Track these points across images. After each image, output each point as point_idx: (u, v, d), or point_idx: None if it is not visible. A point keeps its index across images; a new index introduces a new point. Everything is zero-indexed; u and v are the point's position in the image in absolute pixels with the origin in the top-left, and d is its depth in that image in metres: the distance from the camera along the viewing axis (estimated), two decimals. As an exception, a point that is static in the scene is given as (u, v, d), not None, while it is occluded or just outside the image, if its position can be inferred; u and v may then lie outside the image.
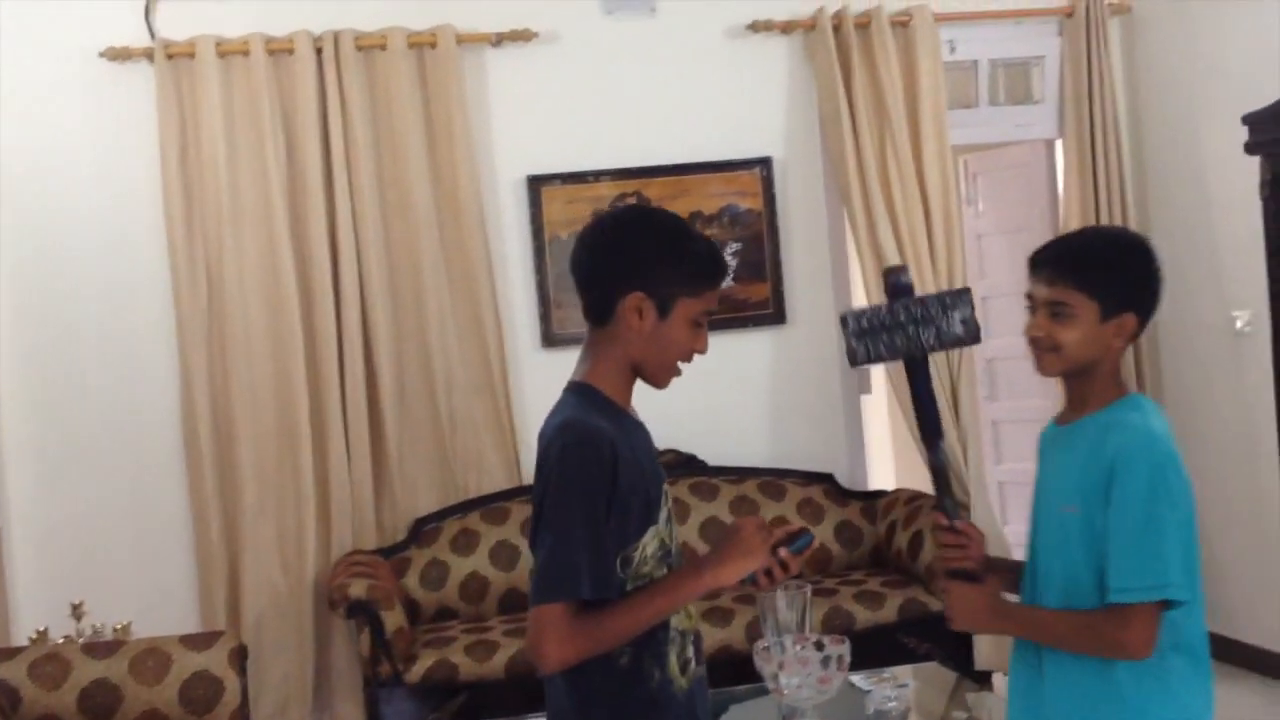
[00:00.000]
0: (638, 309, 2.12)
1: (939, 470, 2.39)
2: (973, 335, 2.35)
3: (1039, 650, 2.30)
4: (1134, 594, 2.13)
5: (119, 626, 3.95)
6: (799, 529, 2.23)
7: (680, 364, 2.20)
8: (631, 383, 2.21)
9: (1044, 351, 2.27)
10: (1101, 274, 2.24)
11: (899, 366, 2.42)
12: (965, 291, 2.38)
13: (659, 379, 2.20)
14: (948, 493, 2.39)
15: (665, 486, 2.23)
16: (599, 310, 2.16)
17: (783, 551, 2.18)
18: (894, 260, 5.16)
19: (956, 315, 2.32)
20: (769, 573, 2.18)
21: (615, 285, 2.13)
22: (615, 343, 2.16)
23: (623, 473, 2.07)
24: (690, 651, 2.22)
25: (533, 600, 2.06)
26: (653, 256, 2.13)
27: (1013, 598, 2.42)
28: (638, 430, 2.22)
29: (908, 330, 2.32)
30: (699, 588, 2.12)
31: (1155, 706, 2.22)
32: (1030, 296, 2.29)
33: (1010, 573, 2.44)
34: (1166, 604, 2.15)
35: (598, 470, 2.05)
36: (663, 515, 2.19)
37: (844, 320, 2.38)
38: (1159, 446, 2.18)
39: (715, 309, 2.21)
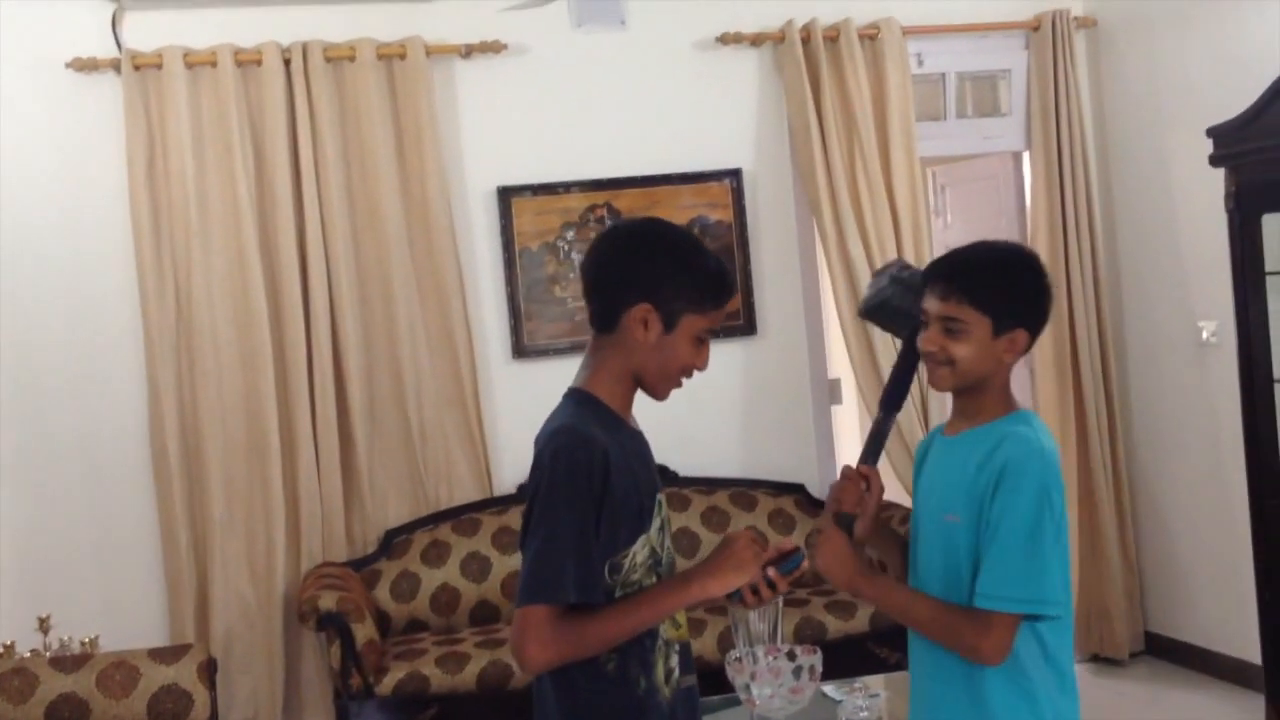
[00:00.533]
0: (643, 320, 2.14)
1: (880, 435, 2.43)
2: None
3: (930, 648, 2.30)
4: (1005, 603, 2.15)
5: (87, 640, 3.91)
6: (791, 549, 2.23)
7: (682, 378, 2.23)
8: (632, 392, 2.23)
9: (938, 365, 2.28)
10: (993, 291, 2.25)
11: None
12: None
13: (659, 391, 2.23)
14: (873, 453, 2.42)
15: (660, 496, 2.24)
16: (605, 317, 2.18)
17: (771, 571, 2.18)
18: (863, 270, 5.18)
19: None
20: (756, 590, 2.18)
21: (623, 294, 2.15)
22: (618, 351, 2.18)
23: (614, 480, 2.09)
24: (675, 661, 2.22)
25: (518, 601, 2.07)
26: (664, 270, 2.14)
27: None
28: (634, 439, 2.23)
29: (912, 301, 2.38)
30: (686, 598, 2.13)
31: (1020, 717, 2.23)
32: (925, 311, 2.30)
33: (895, 549, 2.47)
34: (1028, 617, 2.18)
35: (588, 476, 2.06)
36: (655, 524, 2.20)
37: (884, 270, 2.46)
38: (1049, 464, 2.20)
39: (718, 327, 2.24)
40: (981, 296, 2.24)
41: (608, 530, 2.09)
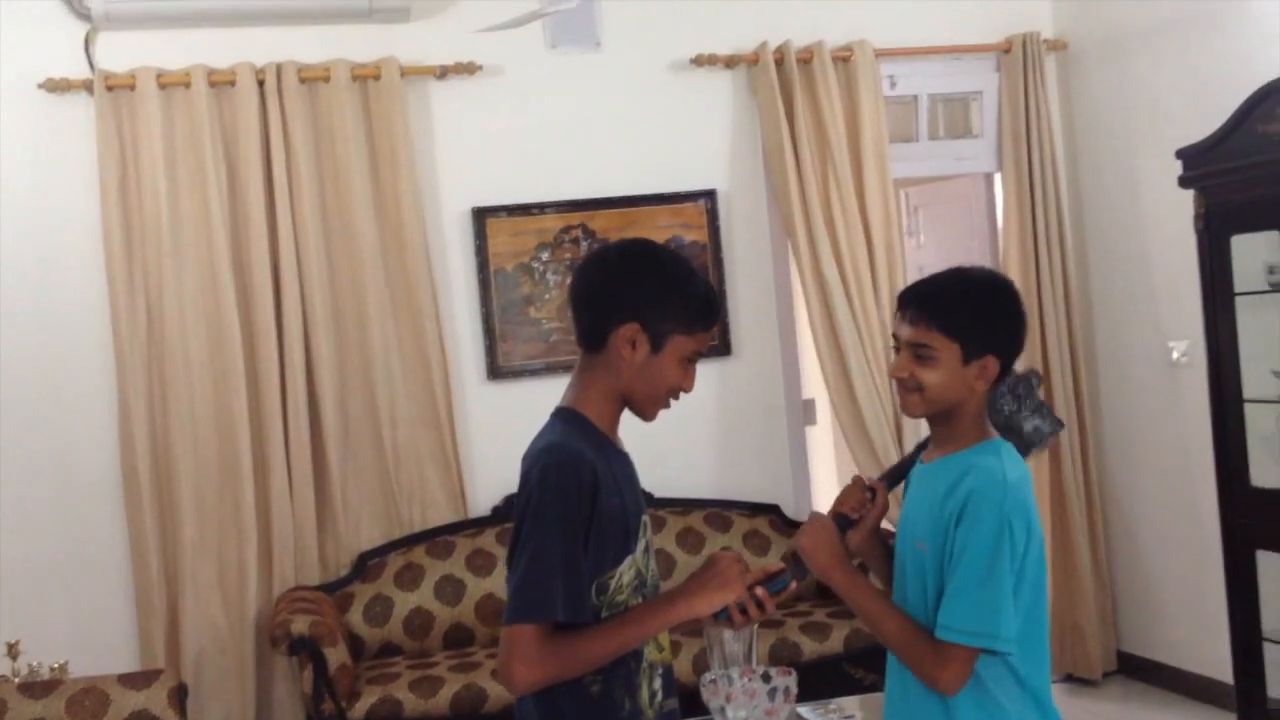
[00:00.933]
0: (631, 340, 2.15)
1: (904, 465, 2.45)
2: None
3: (905, 670, 2.30)
4: (960, 635, 2.16)
5: (56, 666, 3.87)
6: (778, 569, 2.23)
7: (669, 398, 2.22)
8: (618, 412, 2.23)
9: (909, 392, 2.29)
10: (963, 317, 2.25)
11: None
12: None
13: (646, 411, 2.23)
14: (894, 476, 2.44)
15: (645, 518, 2.24)
16: (593, 337, 2.19)
17: (759, 590, 2.18)
18: (837, 290, 5.20)
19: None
20: (744, 610, 2.17)
21: (612, 314, 2.15)
22: (605, 371, 2.18)
23: (603, 499, 2.09)
24: (659, 684, 2.22)
25: (505, 620, 2.06)
26: (652, 291, 2.15)
27: None
28: (621, 459, 2.23)
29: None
30: (672, 618, 2.12)
31: None
32: (895, 336, 2.32)
33: (889, 569, 2.45)
34: (984, 650, 2.18)
35: (577, 494, 2.06)
36: (640, 545, 2.19)
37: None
38: (1011, 494, 2.18)
39: (705, 350, 2.24)
40: (950, 323, 2.24)
41: (595, 550, 2.09)
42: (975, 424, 2.31)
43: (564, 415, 2.21)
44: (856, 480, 2.42)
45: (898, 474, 2.46)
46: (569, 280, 2.27)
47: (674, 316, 2.16)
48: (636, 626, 2.10)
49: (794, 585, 2.25)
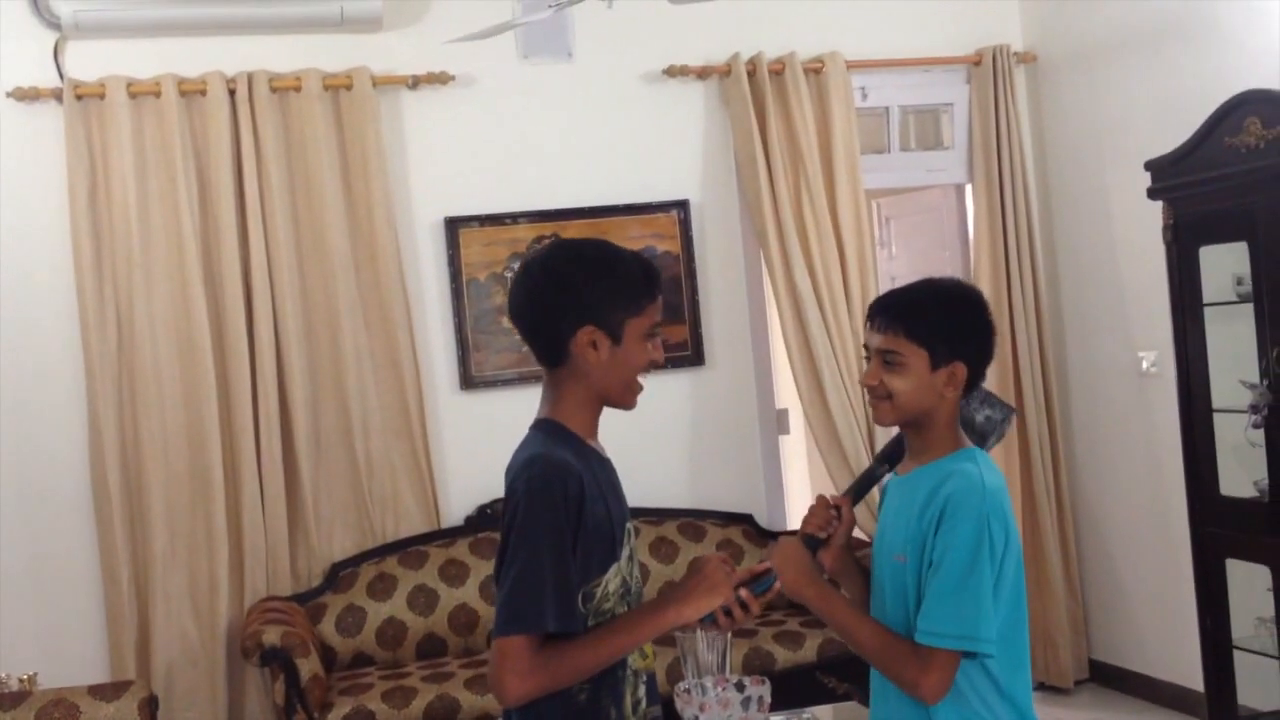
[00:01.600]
0: (591, 343, 2.13)
1: (868, 479, 2.44)
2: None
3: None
4: (941, 640, 2.16)
5: (25, 677, 3.83)
6: (763, 569, 2.22)
7: (640, 379, 2.21)
8: (597, 415, 2.22)
9: (879, 400, 2.31)
10: (929, 324, 2.27)
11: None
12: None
13: (627, 401, 2.22)
14: (857, 490, 2.43)
15: (630, 525, 2.24)
16: (552, 353, 2.17)
17: (743, 592, 2.17)
18: (810, 300, 5.22)
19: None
20: (729, 612, 2.17)
21: (562, 326, 2.13)
22: (575, 379, 2.17)
23: (589, 508, 2.08)
24: (642, 691, 2.22)
25: (495, 632, 2.05)
26: (589, 289, 2.13)
27: None
28: (604, 467, 2.22)
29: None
30: (662, 624, 2.12)
31: None
32: (866, 346, 2.34)
33: (862, 585, 2.45)
34: (965, 654, 2.18)
35: (564, 504, 2.05)
36: (625, 553, 2.19)
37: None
38: (989, 499, 2.20)
39: (661, 318, 2.22)
40: (918, 329, 2.26)
41: (581, 559, 2.08)
42: (948, 433, 2.32)
43: (545, 426, 2.19)
44: (820, 499, 2.41)
45: (862, 487, 2.45)
46: (506, 304, 2.25)
47: (620, 303, 2.14)
48: (627, 634, 2.10)
49: (778, 585, 2.25)
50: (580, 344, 2.13)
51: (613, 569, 2.14)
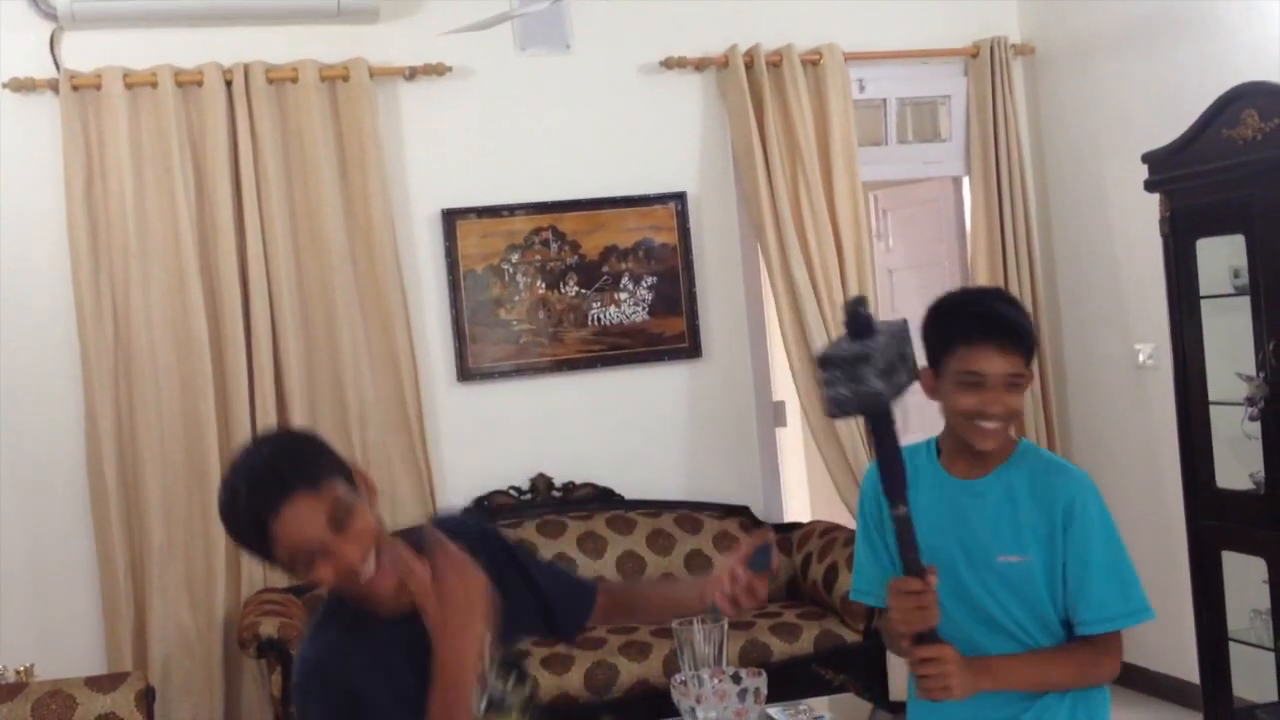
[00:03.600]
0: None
1: (904, 524, 2.13)
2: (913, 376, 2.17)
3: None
4: (1122, 620, 2.27)
5: (22, 669, 3.84)
6: (759, 543, 2.09)
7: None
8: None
9: (1000, 425, 2.26)
10: (1033, 338, 2.30)
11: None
12: (905, 324, 2.17)
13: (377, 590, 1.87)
14: (913, 549, 2.14)
15: (485, 639, 1.85)
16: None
17: (740, 570, 2.05)
18: (807, 293, 5.21)
19: (907, 359, 2.11)
20: (736, 600, 2.03)
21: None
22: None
23: (373, 713, 1.77)
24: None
25: None
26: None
27: None
28: (395, 631, 1.84)
29: (871, 379, 2.01)
30: (457, 687, 1.77)
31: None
32: (976, 372, 2.22)
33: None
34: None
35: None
36: (480, 702, 1.85)
37: (822, 363, 2.07)
38: (1092, 484, 2.30)
39: None
40: (1030, 347, 2.28)
41: None
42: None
43: (324, 606, 1.89)
44: (905, 586, 2.15)
45: (913, 539, 2.15)
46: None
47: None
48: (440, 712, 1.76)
49: (775, 564, 2.15)
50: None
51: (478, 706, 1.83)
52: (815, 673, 4.66)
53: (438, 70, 5.11)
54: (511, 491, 5.18)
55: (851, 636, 4.76)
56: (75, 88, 4.73)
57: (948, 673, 2.14)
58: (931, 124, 5.82)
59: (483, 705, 1.86)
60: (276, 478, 1.78)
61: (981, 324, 2.25)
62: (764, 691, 2.59)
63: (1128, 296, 5.27)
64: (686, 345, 5.39)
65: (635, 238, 5.33)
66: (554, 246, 5.24)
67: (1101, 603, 2.25)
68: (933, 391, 2.30)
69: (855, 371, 1.99)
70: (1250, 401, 4.10)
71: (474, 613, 1.79)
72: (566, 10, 5.22)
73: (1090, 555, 2.24)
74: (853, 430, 5.24)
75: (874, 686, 4.70)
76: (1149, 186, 4.49)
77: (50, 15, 4.75)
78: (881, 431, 2.10)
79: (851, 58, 5.44)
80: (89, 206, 4.75)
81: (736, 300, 5.49)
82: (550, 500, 5.20)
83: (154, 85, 4.79)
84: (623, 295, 5.32)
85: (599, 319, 5.30)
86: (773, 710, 3.28)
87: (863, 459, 5.16)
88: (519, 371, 5.21)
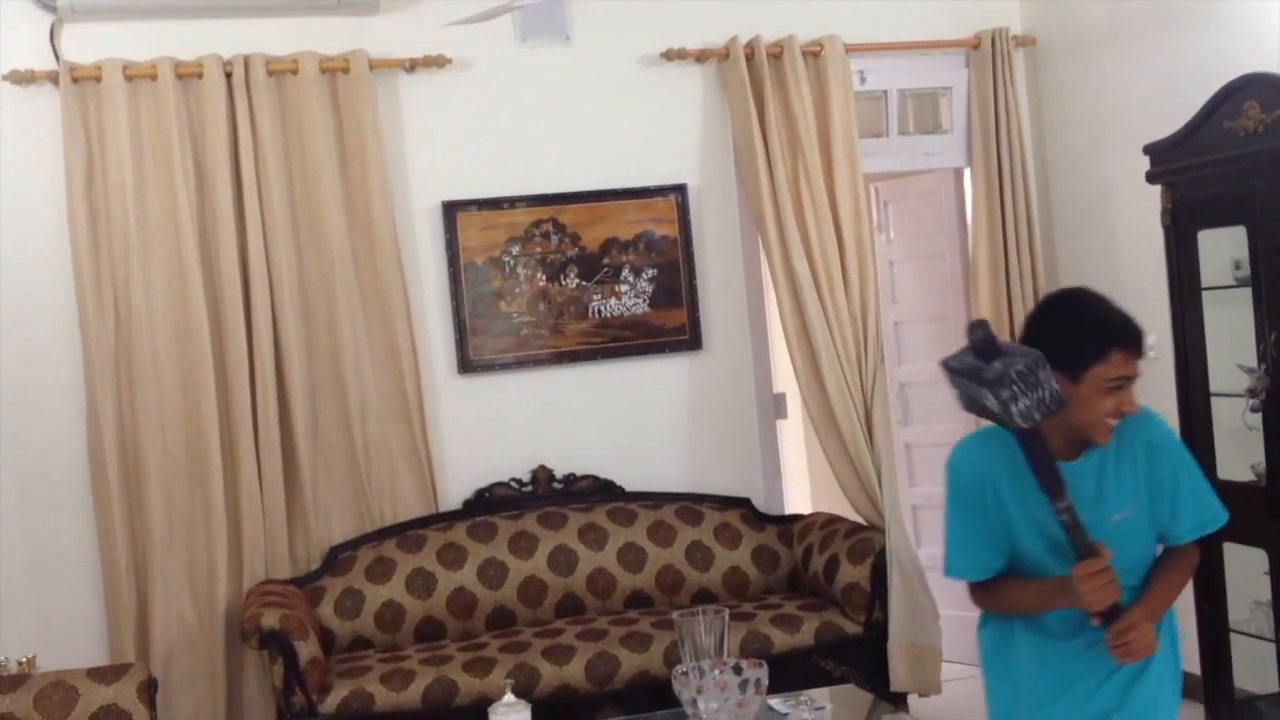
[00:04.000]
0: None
1: (1070, 515, 2.42)
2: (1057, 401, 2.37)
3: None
4: (1210, 526, 2.57)
5: (24, 660, 3.85)
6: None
7: None
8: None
9: (1117, 420, 2.50)
10: None
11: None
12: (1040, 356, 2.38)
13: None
14: (1082, 534, 2.43)
15: None
16: None
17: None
18: (808, 284, 5.21)
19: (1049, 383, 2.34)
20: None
21: None
22: None
23: None
24: None
25: None
26: None
27: None
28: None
29: (1016, 396, 2.33)
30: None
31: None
32: (1126, 377, 2.48)
33: None
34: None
35: None
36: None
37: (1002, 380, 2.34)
38: (1152, 412, 2.58)
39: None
40: None
41: None
42: None
43: None
44: (1089, 568, 2.42)
45: (1083, 535, 2.46)
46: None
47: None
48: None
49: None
50: None
51: None
52: (816, 664, 4.67)
53: (438, 62, 5.10)
54: (512, 483, 5.19)
55: (852, 628, 4.76)
56: (75, 80, 4.73)
57: (1145, 631, 2.47)
58: (933, 115, 5.82)
59: None
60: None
61: (1129, 333, 2.50)
62: (765, 683, 2.60)
63: (1129, 288, 5.26)
64: (687, 337, 5.39)
65: (636, 230, 5.33)
66: (555, 239, 5.24)
67: (1193, 515, 2.55)
68: (1067, 397, 2.42)
69: (1033, 379, 2.32)
70: (1251, 393, 4.10)
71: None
72: (567, 2, 5.23)
73: (1179, 478, 2.54)
74: (853, 421, 5.23)
75: (874, 678, 4.71)
76: (1150, 178, 4.49)
77: (50, 7, 4.75)
78: (1030, 444, 2.39)
79: (852, 49, 5.43)
80: (89, 199, 4.75)
81: (737, 292, 5.49)
82: (551, 492, 5.21)
83: (154, 77, 4.78)
84: (623, 287, 5.32)
85: (600, 311, 5.30)
86: (774, 701, 3.28)
87: (862, 450, 5.16)
88: (519, 363, 5.21)
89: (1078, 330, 2.48)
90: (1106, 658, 2.51)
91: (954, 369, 2.40)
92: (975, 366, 2.35)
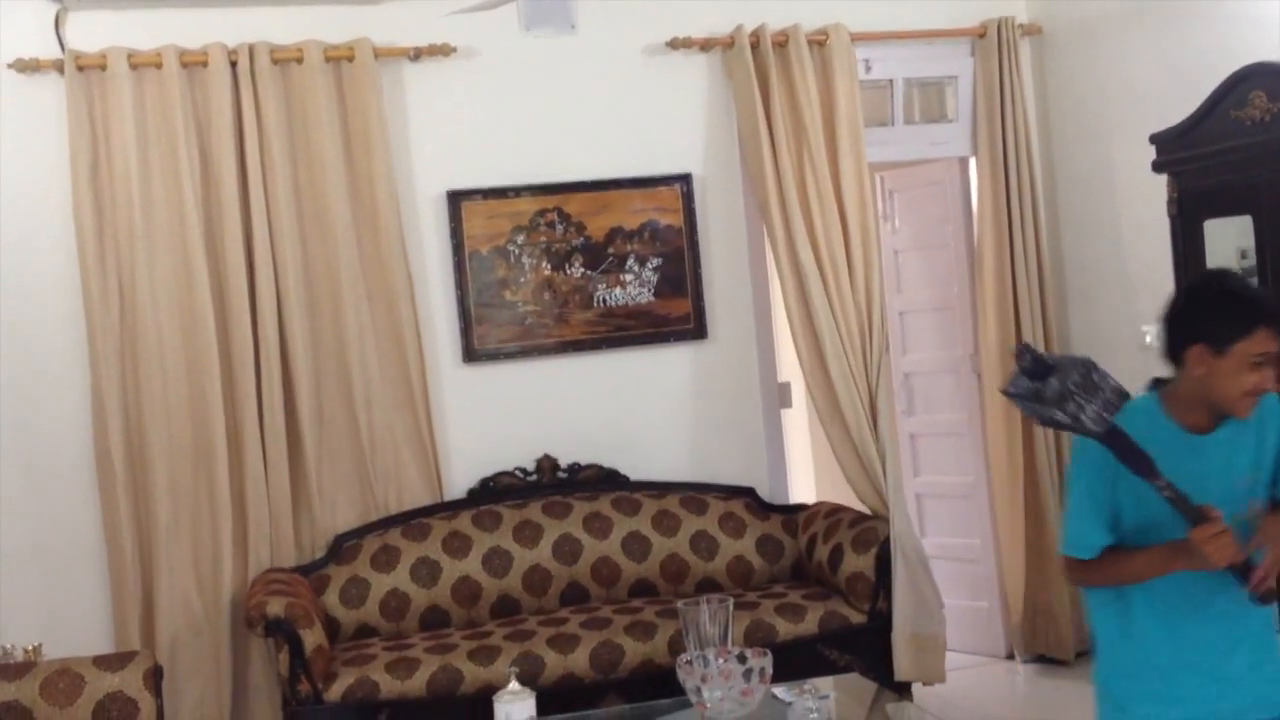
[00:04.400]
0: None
1: (1172, 490, 2.48)
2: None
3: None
4: None
5: (30, 648, 3.85)
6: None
7: None
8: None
9: (1259, 397, 2.57)
10: None
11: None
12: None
13: None
14: (1188, 503, 2.47)
15: None
16: None
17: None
18: (813, 274, 5.20)
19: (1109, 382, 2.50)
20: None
21: None
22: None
23: None
24: None
25: None
26: None
27: None
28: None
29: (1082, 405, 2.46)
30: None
31: None
32: (1269, 354, 2.53)
33: None
34: None
35: None
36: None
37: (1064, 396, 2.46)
38: None
39: None
40: None
41: None
42: None
43: None
44: (1211, 530, 2.45)
45: (1188, 499, 2.51)
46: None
47: None
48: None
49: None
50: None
51: None
52: (820, 653, 4.68)
53: (443, 51, 5.10)
54: (517, 472, 5.19)
55: (856, 617, 4.77)
56: (80, 68, 4.73)
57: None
58: (938, 104, 5.81)
59: None
60: None
61: (1275, 312, 2.56)
62: (769, 671, 2.60)
63: (1134, 278, 5.26)
64: (692, 326, 5.39)
65: (641, 219, 5.32)
66: (559, 228, 5.24)
67: None
68: (1209, 371, 2.54)
69: (1090, 385, 2.44)
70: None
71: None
72: (572, -10, 5.21)
73: None
74: (858, 410, 5.23)
75: (879, 667, 4.71)
76: (1156, 167, 4.48)
77: (55, -5, 4.75)
78: (1112, 442, 2.49)
79: (858, 38, 5.42)
80: (94, 187, 4.75)
81: (742, 281, 5.48)
82: (556, 481, 5.21)
83: (159, 66, 4.78)
84: (628, 276, 5.32)
85: (604, 300, 5.30)
86: (778, 690, 3.29)
87: (867, 440, 5.16)
88: (524, 353, 5.21)
89: (1228, 305, 2.56)
90: (1233, 622, 2.58)
91: (1015, 395, 2.50)
92: (1034, 389, 2.46)
